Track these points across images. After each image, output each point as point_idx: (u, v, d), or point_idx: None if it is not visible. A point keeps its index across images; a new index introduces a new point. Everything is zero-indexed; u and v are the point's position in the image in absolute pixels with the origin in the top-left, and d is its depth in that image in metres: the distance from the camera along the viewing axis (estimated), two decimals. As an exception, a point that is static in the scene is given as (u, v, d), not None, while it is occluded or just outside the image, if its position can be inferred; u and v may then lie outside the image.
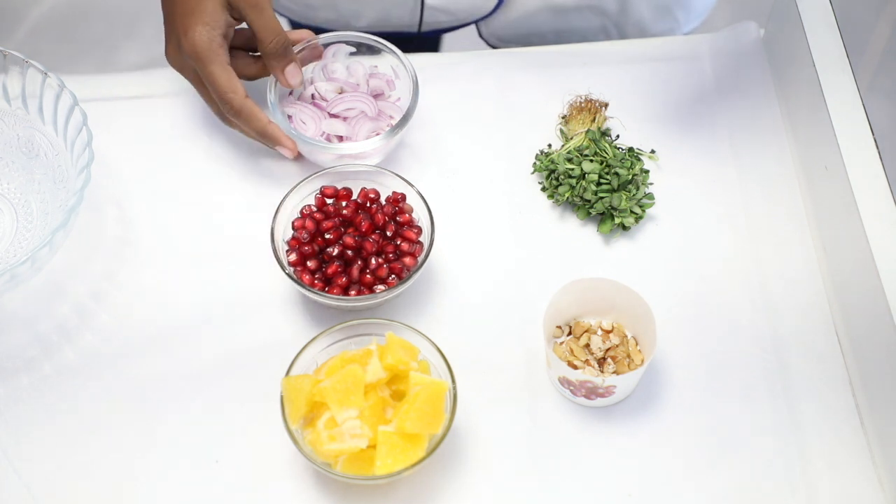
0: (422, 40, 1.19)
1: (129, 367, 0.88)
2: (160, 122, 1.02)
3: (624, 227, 0.95)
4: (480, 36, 1.22)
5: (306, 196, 0.91)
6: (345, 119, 0.97)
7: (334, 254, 0.88)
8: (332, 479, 0.83)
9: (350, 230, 0.89)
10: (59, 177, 0.94)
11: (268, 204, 0.92)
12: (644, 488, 0.83)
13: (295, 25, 1.22)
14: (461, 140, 1.01)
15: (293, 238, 0.89)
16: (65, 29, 2.14)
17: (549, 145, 1.00)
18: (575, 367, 0.86)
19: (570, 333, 0.90)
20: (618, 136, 1.00)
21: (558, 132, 1.00)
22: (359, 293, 0.87)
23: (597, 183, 0.94)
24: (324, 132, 0.97)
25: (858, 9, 2.03)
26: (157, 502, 0.83)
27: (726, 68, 1.05)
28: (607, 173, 0.94)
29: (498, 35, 1.20)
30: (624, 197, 0.93)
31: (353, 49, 1.00)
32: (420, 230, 0.90)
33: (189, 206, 0.97)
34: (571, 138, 0.98)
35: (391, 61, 0.99)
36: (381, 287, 0.87)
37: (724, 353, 0.89)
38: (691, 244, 0.95)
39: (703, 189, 0.98)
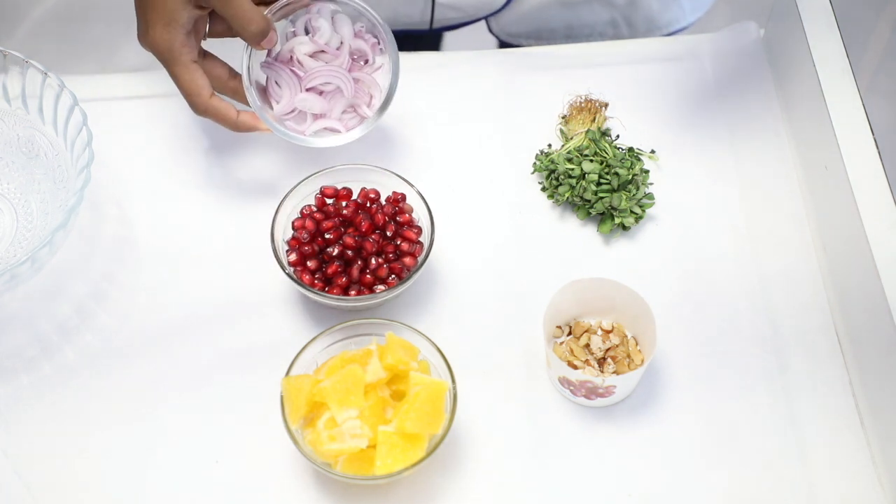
0: (431, 37, 1.18)
1: (129, 367, 0.88)
2: (160, 122, 1.02)
3: (624, 227, 0.95)
4: (490, 31, 1.21)
5: (306, 196, 0.91)
6: (321, 93, 0.93)
7: (334, 254, 0.88)
8: (332, 479, 0.83)
9: (350, 230, 0.89)
10: (59, 177, 0.94)
11: (268, 204, 0.92)
12: (644, 488, 0.83)
13: None
14: (461, 140, 1.01)
15: (293, 238, 0.89)
16: (65, 29, 2.14)
17: (549, 145, 1.00)
18: (575, 367, 0.86)
19: (570, 333, 0.90)
20: (618, 136, 1.00)
21: (558, 132, 1.00)
22: (359, 293, 0.87)
23: (597, 183, 0.94)
24: (295, 108, 0.93)
25: (858, 9, 2.04)
26: (157, 502, 0.83)
27: (726, 68, 1.05)
28: (607, 173, 0.94)
29: (508, 30, 1.19)
30: (624, 197, 0.93)
31: (339, 10, 0.94)
32: (420, 230, 0.90)
33: (189, 205, 0.97)
34: (571, 138, 0.98)
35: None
36: (381, 287, 0.87)
37: (723, 352, 0.89)
38: (691, 244, 0.95)
39: (703, 189, 0.98)
